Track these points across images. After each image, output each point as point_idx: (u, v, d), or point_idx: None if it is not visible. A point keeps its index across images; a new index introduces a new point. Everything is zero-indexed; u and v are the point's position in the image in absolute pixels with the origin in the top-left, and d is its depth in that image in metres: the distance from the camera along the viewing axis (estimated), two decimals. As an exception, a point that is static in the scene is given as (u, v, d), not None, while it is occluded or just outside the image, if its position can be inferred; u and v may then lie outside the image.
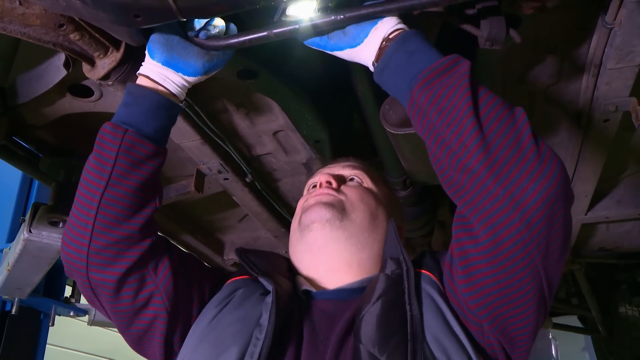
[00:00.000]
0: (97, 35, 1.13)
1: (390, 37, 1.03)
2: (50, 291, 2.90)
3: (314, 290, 1.18)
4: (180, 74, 1.13)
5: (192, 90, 1.42)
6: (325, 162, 1.81)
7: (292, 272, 1.28)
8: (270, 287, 1.10)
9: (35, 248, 1.83)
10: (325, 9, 1.05)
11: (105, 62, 1.18)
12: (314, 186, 1.40)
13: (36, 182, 3.00)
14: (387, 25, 1.04)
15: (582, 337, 7.18)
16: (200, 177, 1.78)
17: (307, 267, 1.26)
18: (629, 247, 2.67)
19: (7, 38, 1.41)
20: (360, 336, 0.99)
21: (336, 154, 1.81)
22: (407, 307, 1.02)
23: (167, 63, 1.11)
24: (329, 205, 1.25)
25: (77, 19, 1.09)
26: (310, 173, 1.89)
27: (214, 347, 1.04)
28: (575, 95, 1.59)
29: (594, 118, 1.56)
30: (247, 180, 1.85)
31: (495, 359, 1.06)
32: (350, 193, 1.30)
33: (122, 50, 1.17)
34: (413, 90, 0.98)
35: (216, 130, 1.60)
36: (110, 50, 1.17)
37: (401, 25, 1.04)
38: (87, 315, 3.10)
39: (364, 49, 1.05)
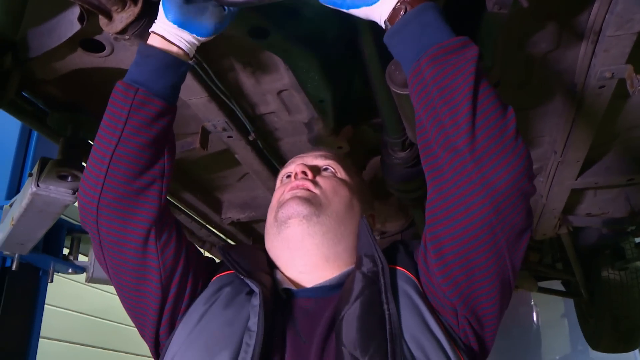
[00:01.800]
0: (115, -11, 1.16)
1: None
2: (49, 248, 2.94)
3: (294, 288, 1.24)
4: (193, 34, 1.17)
5: (201, 48, 1.45)
6: (327, 123, 1.85)
7: (270, 266, 1.33)
8: (256, 289, 1.15)
9: (41, 203, 1.86)
10: None
11: (123, 16, 1.20)
12: (288, 176, 1.46)
13: (34, 141, 3.01)
14: None
15: (562, 303, 7.38)
16: (205, 134, 1.81)
17: (285, 263, 1.32)
18: (613, 213, 2.76)
19: (18, -8, 1.43)
20: (342, 338, 1.05)
21: (338, 115, 1.85)
22: (385, 306, 1.09)
23: (181, 24, 1.14)
24: (306, 200, 1.31)
25: (97, -27, 1.11)
26: (312, 133, 1.93)
27: (204, 350, 1.09)
28: (573, 61, 1.63)
29: (590, 84, 1.61)
30: (250, 138, 1.89)
31: (468, 346, 1.15)
32: (325, 185, 1.37)
33: (139, 4, 1.19)
34: (421, 62, 1.03)
35: (223, 88, 1.63)
36: (128, 4, 1.20)
37: None
38: (84, 273, 3.14)
39: (379, 7, 1.09)
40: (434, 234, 1.08)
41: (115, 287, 1.27)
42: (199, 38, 1.18)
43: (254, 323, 1.09)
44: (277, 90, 1.72)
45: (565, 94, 1.79)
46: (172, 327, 1.23)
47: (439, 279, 1.10)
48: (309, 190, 1.34)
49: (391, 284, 1.14)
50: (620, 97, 1.78)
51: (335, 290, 1.21)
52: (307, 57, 1.51)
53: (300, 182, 1.36)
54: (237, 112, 1.76)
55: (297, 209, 1.29)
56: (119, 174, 1.14)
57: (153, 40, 1.17)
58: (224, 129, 1.80)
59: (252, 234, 2.97)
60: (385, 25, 1.10)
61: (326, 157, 1.49)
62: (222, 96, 1.65)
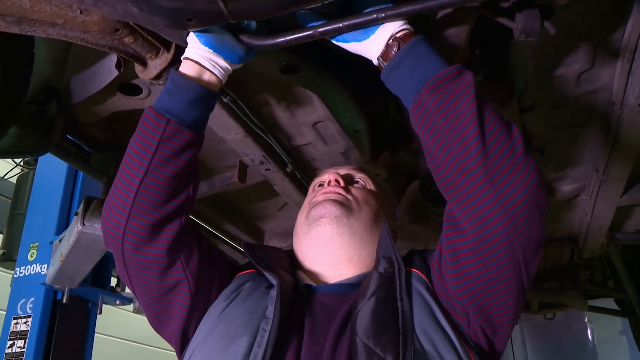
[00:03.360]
0: (149, 38, 1.20)
1: (398, 35, 1.09)
2: (98, 281, 3.03)
3: (314, 284, 1.28)
4: (227, 60, 1.17)
5: (236, 85, 1.48)
6: (363, 152, 1.86)
7: (293, 266, 1.37)
8: (274, 282, 1.18)
9: (87, 240, 1.92)
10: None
11: (157, 63, 1.25)
12: (321, 185, 1.50)
13: (80, 179, 3.13)
14: (396, 24, 1.10)
15: (619, 320, 7.08)
16: (243, 168, 1.85)
17: (311, 260, 1.35)
18: (665, 228, 2.68)
19: (61, 42, 1.50)
20: (356, 329, 1.08)
21: (374, 142, 1.86)
22: (399, 303, 1.12)
23: (215, 49, 1.14)
24: (338, 203, 1.35)
25: (131, 24, 1.16)
26: (349, 162, 1.94)
27: (224, 336, 1.12)
28: (609, 80, 1.61)
29: (629, 102, 1.58)
30: (288, 170, 1.91)
31: (478, 346, 1.16)
32: (356, 193, 1.41)
33: (172, 51, 1.23)
34: (421, 93, 1.05)
35: (258, 123, 1.66)
36: (162, 51, 1.24)
37: (407, 26, 1.11)
38: (132, 304, 3.21)
39: (370, 44, 1.12)
40: (453, 246, 1.11)
41: (139, 300, 1.29)
42: (232, 64, 1.18)
43: (270, 311, 1.12)
44: (312, 122, 1.75)
45: (604, 112, 1.75)
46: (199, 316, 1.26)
47: (455, 287, 1.13)
48: (341, 194, 1.38)
49: (406, 284, 1.18)
50: (663, 113, 1.73)
51: (353, 288, 1.25)
52: (339, 90, 1.53)
53: (333, 189, 1.40)
54: (274, 145, 1.79)
55: (330, 209, 1.34)
56: (146, 203, 1.15)
57: (186, 67, 1.16)
58: (262, 162, 1.83)
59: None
60: (379, 62, 1.12)
61: (358, 171, 1.53)
62: (258, 131, 1.68)
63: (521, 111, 1.66)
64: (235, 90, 1.51)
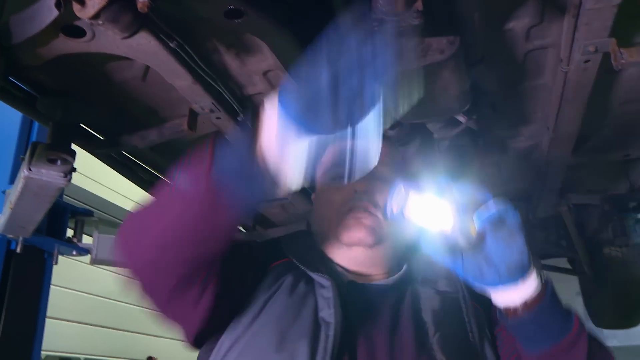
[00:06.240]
0: (85, -26, 1.16)
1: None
2: (53, 231, 2.99)
3: (358, 282, 1.32)
4: None
5: (183, 31, 1.45)
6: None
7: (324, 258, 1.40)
8: (327, 283, 1.22)
9: (35, 186, 1.89)
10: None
11: (95, 2, 1.21)
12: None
13: (36, 125, 3.06)
14: (533, 285, 1.11)
15: (577, 281, 7.26)
16: (193, 116, 1.83)
17: (343, 266, 1.39)
18: (614, 189, 2.74)
19: (-2, -20, 1.45)
20: (434, 351, 1.17)
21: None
22: (470, 334, 1.23)
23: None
24: (372, 229, 1.35)
25: (64, -43, 1.12)
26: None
27: (277, 334, 1.14)
28: (558, 36, 1.62)
29: (575, 59, 1.58)
30: (239, 119, 1.90)
31: None
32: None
33: (111, -11, 1.20)
34: (552, 350, 1.12)
35: (207, 70, 1.63)
36: (99, -12, 1.20)
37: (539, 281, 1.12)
38: (89, 255, 3.19)
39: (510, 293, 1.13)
40: None
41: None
42: None
43: (329, 314, 1.15)
44: (263, 70, 1.73)
45: (554, 69, 1.77)
46: (221, 324, 1.22)
47: None
48: (372, 213, 1.36)
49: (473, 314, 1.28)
50: (610, 72, 1.74)
51: (393, 290, 1.34)
52: (287, 39, 1.51)
53: (364, 204, 1.37)
54: (224, 94, 1.77)
55: (364, 239, 1.35)
56: None
57: None
58: (212, 110, 1.81)
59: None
60: (513, 318, 1.14)
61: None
62: (207, 78, 1.66)
63: (470, 65, 1.66)
64: (183, 36, 1.47)
